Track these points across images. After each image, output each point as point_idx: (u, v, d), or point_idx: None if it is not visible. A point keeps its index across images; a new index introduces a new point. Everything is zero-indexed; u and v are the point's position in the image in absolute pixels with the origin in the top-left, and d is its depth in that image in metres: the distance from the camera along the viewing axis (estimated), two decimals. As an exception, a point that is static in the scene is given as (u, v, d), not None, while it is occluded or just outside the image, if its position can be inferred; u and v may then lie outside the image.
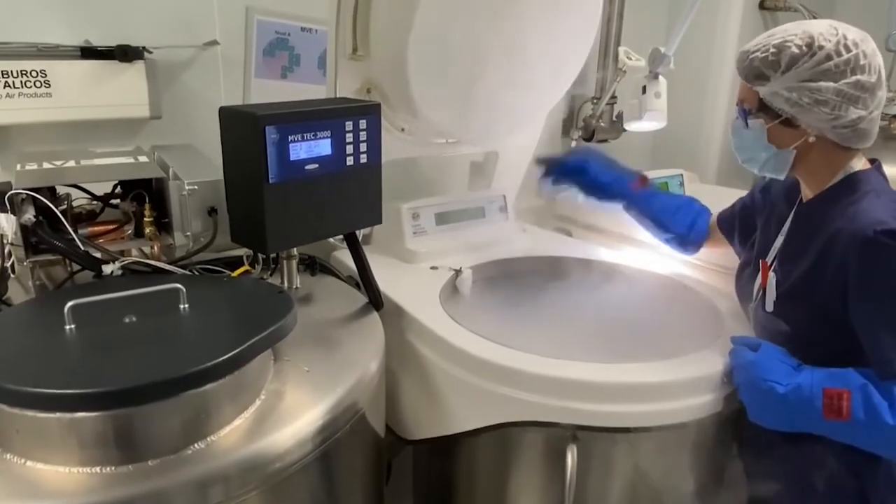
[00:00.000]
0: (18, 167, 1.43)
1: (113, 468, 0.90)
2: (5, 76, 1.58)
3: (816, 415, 1.13)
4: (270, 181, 1.21)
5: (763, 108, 1.22)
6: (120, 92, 1.72)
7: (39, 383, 0.88)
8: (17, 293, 1.32)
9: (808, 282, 1.22)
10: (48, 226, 1.27)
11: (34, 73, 1.61)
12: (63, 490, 0.88)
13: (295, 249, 1.47)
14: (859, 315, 1.14)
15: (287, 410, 1.06)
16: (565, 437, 1.24)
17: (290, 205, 1.26)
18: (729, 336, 1.32)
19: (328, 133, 1.28)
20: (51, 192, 1.38)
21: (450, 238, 1.83)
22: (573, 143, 2.46)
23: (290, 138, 1.22)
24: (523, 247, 1.88)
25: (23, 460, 0.92)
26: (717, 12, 2.62)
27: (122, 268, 1.30)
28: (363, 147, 1.35)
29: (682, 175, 2.34)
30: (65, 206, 1.37)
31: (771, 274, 1.31)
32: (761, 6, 2.78)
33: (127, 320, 1.06)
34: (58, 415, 0.89)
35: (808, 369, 1.18)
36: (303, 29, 1.96)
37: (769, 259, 1.35)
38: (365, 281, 1.46)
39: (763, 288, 1.33)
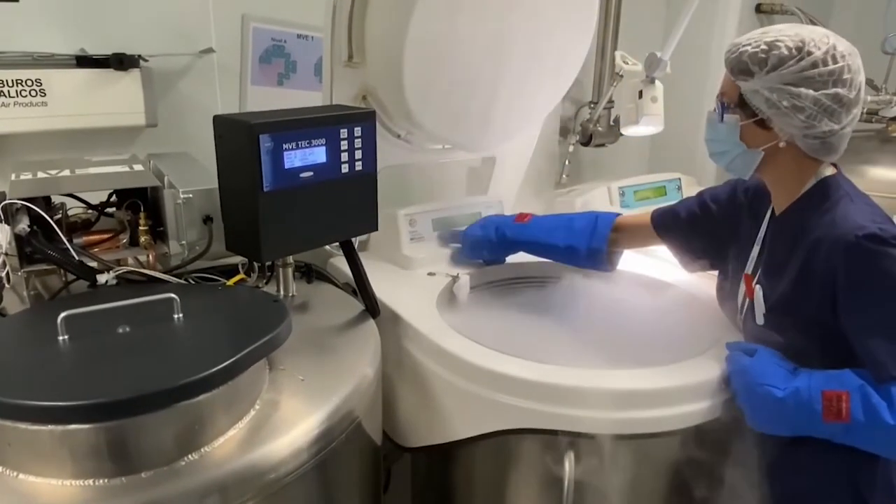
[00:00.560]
0: (13, 177, 1.43)
1: (106, 480, 0.90)
2: (0, 85, 1.57)
3: (816, 418, 1.13)
4: (265, 189, 1.21)
5: (741, 105, 1.22)
6: (115, 100, 1.71)
7: (31, 395, 0.88)
8: (12, 303, 1.32)
9: (796, 293, 1.21)
10: (43, 235, 1.27)
11: (29, 82, 1.61)
12: (56, 503, 0.87)
13: (290, 257, 1.46)
14: (849, 321, 1.15)
15: (282, 420, 1.05)
16: (563, 444, 1.24)
17: (284, 213, 1.26)
18: (726, 342, 1.31)
19: (323, 141, 1.28)
20: (46, 201, 1.37)
21: (447, 244, 1.82)
22: (570, 149, 2.46)
23: (284, 146, 1.22)
24: (521, 253, 1.87)
25: (15, 473, 0.91)
26: (714, 16, 2.62)
27: (117, 277, 1.30)
28: (358, 154, 1.35)
29: (679, 179, 2.34)
30: (60, 216, 1.36)
31: (757, 287, 1.31)
32: (758, 9, 2.78)
33: (121, 330, 1.06)
34: (50, 427, 0.88)
35: (805, 372, 1.17)
36: (299, 36, 1.96)
37: (748, 271, 1.35)
38: (361, 288, 1.46)
39: (750, 300, 1.33)
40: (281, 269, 1.46)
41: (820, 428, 1.14)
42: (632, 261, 1.79)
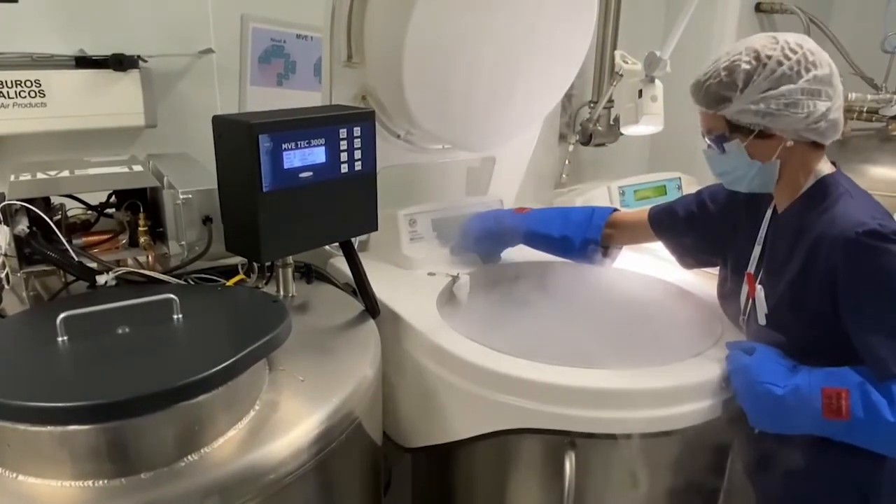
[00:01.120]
0: (12, 178, 1.42)
1: (106, 481, 0.90)
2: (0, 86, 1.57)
3: (816, 415, 1.13)
4: (264, 190, 1.21)
5: (735, 129, 1.23)
6: (115, 101, 1.71)
7: (30, 396, 0.87)
8: (11, 304, 1.32)
9: (798, 291, 1.22)
10: (42, 236, 1.27)
11: (28, 83, 1.61)
12: (55, 504, 0.87)
13: (290, 258, 1.46)
14: (850, 318, 1.15)
15: (282, 420, 1.05)
16: (563, 444, 1.24)
17: (284, 213, 1.26)
18: (727, 341, 1.31)
19: (322, 141, 1.28)
20: (45, 202, 1.37)
21: (447, 244, 1.82)
22: (570, 148, 2.45)
23: (283, 146, 1.21)
24: (521, 252, 1.87)
25: (14, 474, 0.91)
26: (714, 15, 2.62)
27: (117, 278, 1.30)
28: (357, 154, 1.35)
29: (679, 178, 2.34)
30: (59, 217, 1.36)
31: (758, 287, 1.31)
32: (758, 8, 2.78)
33: (120, 331, 1.05)
34: (49, 428, 0.88)
35: (804, 370, 1.17)
36: (298, 36, 1.96)
37: (750, 270, 1.35)
38: (361, 288, 1.45)
39: (752, 299, 1.33)
40: (280, 270, 1.46)
41: (820, 426, 1.14)
42: (631, 259, 1.79)
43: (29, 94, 1.61)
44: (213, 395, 0.96)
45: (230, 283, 1.41)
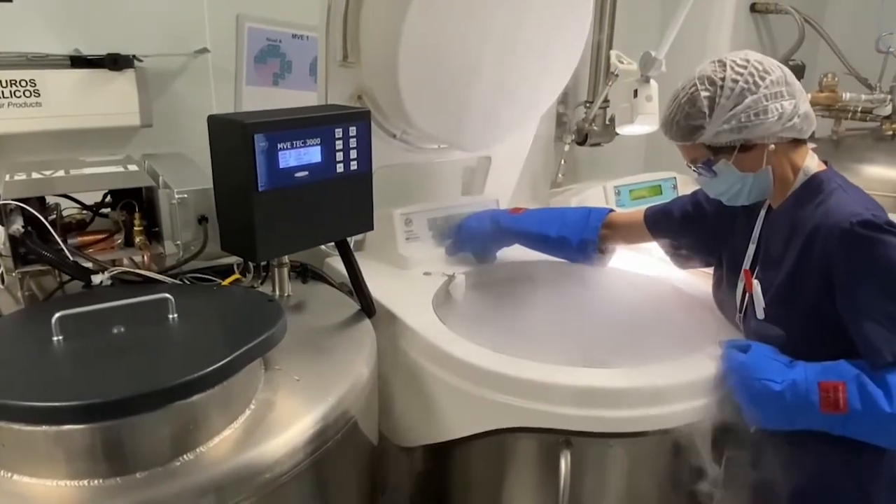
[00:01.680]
0: (7, 177, 1.42)
1: (101, 481, 0.90)
2: (-5, 86, 1.57)
3: (814, 409, 1.13)
4: (260, 189, 1.21)
5: (718, 151, 1.26)
6: (110, 101, 1.71)
7: (25, 396, 0.87)
8: (7, 304, 1.32)
9: (795, 283, 1.23)
10: (37, 236, 1.26)
11: (24, 83, 1.61)
12: (50, 504, 0.87)
13: (286, 257, 1.46)
14: (845, 307, 1.16)
15: (277, 420, 1.05)
16: (559, 442, 1.24)
17: (279, 213, 1.26)
18: (722, 339, 1.32)
19: (318, 140, 1.28)
20: (40, 201, 1.37)
21: (443, 244, 1.82)
22: (566, 148, 2.46)
23: (279, 146, 1.22)
24: (517, 251, 1.87)
25: (10, 474, 0.91)
26: (709, 15, 2.63)
27: (112, 277, 1.30)
28: (353, 154, 1.35)
29: (675, 178, 2.34)
30: (54, 217, 1.36)
31: (755, 282, 1.32)
32: (753, 8, 2.79)
33: (115, 331, 1.05)
34: (44, 428, 0.88)
35: (800, 365, 1.18)
36: (294, 36, 1.96)
37: (747, 266, 1.37)
38: (357, 288, 1.46)
39: (749, 294, 1.34)
40: (276, 269, 1.46)
41: (818, 420, 1.14)
42: (626, 258, 1.80)
43: (24, 93, 1.61)
44: (209, 395, 0.96)
45: (226, 282, 1.41)
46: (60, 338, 1.01)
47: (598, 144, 2.43)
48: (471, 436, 1.33)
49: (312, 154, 1.28)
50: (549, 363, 1.26)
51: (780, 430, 1.21)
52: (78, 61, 1.68)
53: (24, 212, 1.26)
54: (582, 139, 2.41)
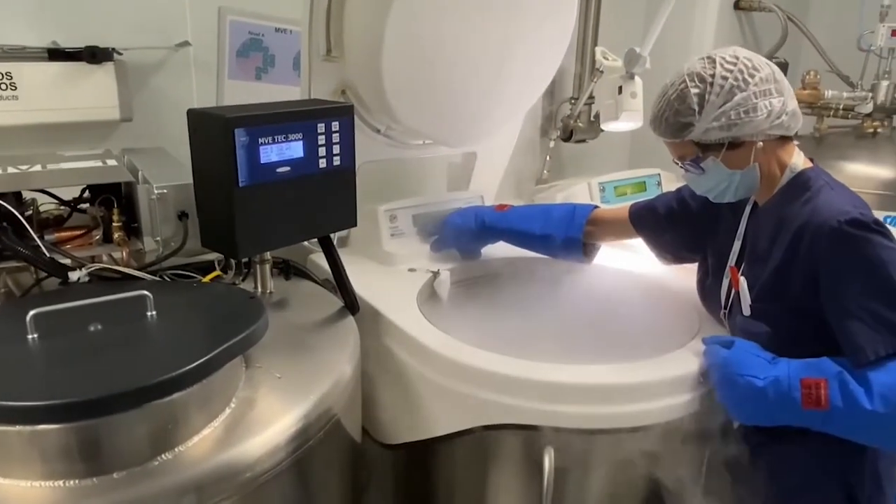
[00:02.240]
0: (-18, 172, 1.39)
1: (77, 481, 0.88)
2: (-30, 79, 1.54)
3: (795, 406, 1.14)
4: (240, 184, 1.19)
5: (706, 148, 1.26)
6: (89, 94, 1.68)
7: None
8: (-18, 301, 1.29)
9: (781, 279, 1.24)
10: (13, 232, 1.24)
11: (0, 76, 1.58)
12: (25, 505, 0.85)
13: (268, 253, 1.44)
14: (830, 305, 1.17)
15: (258, 418, 1.04)
16: (542, 439, 1.24)
17: (261, 208, 1.24)
18: (705, 336, 1.32)
19: (300, 135, 1.27)
20: (16, 197, 1.34)
21: (428, 240, 1.82)
22: (551, 144, 2.46)
23: (260, 141, 1.20)
24: (501, 248, 1.87)
25: (-17, 474, 0.89)
26: (694, 12, 2.64)
27: (90, 274, 1.27)
28: (336, 149, 1.34)
29: (659, 174, 2.35)
30: (31, 212, 1.34)
31: (742, 279, 1.32)
32: (736, 6, 2.80)
33: (92, 328, 1.04)
34: (18, 428, 0.86)
35: (783, 361, 1.18)
36: (277, 29, 1.94)
37: (733, 263, 1.37)
38: (340, 284, 1.44)
39: (736, 291, 1.34)
40: (258, 266, 1.45)
41: (800, 416, 1.15)
42: (610, 255, 1.80)
43: (0, 86, 1.58)
44: (188, 393, 0.95)
45: (206, 279, 1.39)
46: (36, 336, 0.99)
47: (583, 141, 2.43)
48: (455, 433, 1.33)
49: (294, 149, 1.26)
50: (533, 360, 1.26)
51: (762, 426, 1.21)
52: (56, 54, 1.65)
53: (-1, 207, 1.24)
54: (567, 135, 2.41)
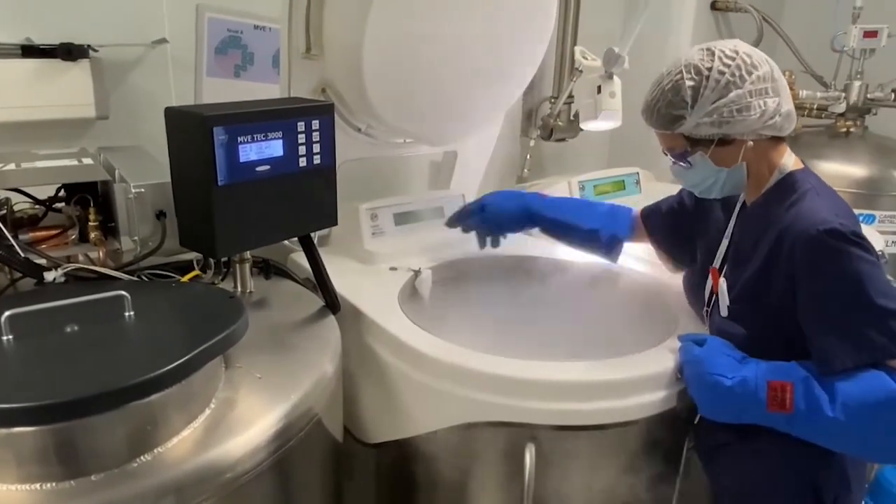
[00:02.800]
0: (-46, 171, 1.37)
1: (54, 484, 0.87)
2: (-59, 75, 1.51)
3: (761, 407, 1.15)
4: (219, 183, 1.18)
5: (696, 143, 1.25)
6: (64, 92, 1.66)
7: (-28, 398, 0.84)
8: (-46, 302, 1.27)
9: (759, 283, 1.23)
10: (-14, 232, 1.22)
11: (-28, 72, 1.55)
12: (0, 509, 0.84)
13: (248, 253, 1.43)
14: (803, 312, 1.17)
15: (238, 419, 1.03)
16: (524, 436, 1.24)
17: (240, 207, 1.23)
18: (682, 333, 1.34)
19: (279, 134, 1.26)
20: (-11, 196, 1.32)
21: (409, 238, 1.82)
22: (531, 143, 2.47)
23: (239, 139, 1.19)
24: (482, 246, 1.87)
25: (-44, 479, 0.88)
26: (671, 13, 2.67)
27: (66, 274, 1.26)
28: (316, 148, 1.33)
29: (637, 173, 2.37)
30: (4, 211, 1.32)
31: (722, 279, 1.33)
32: (713, 7, 2.84)
33: (69, 329, 1.02)
34: (-7, 430, 0.85)
35: (753, 362, 1.19)
36: (256, 27, 1.92)
37: (716, 265, 1.38)
38: (321, 283, 1.44)
39: (715, 293, 1.35)
40: (238, 265, 1.43)
41: (764, 417, 1.16)
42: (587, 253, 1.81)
43: (-28, 83, 1.55)
44: (167, 394, 0.94)
45: (185, 279, 1.38)
46: (10, 337, 0.97)
47: (563, 140, 2.45)
48: (436, 431, 1.33)
49: (274, 147, 1.26)
50: (513, 357, 1.26)
51: (730, 423, 1.22)
52: (30, 51, 1.62)
53: (-29, 206, 1.22)
54: (547, 134, 2.42)
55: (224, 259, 1.43)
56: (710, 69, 1.18)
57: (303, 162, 1.32)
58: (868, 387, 1.09)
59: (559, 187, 2.22)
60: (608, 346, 1.35)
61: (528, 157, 2.49)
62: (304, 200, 1.35)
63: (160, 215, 1.35)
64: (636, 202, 2.31)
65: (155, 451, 0.94)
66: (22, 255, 1.23)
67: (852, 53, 2.52)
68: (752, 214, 1.31)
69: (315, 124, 1.32)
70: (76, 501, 0.86)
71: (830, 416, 1.09)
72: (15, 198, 1.40)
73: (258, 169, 1.24)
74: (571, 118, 2.39)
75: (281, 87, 1.62)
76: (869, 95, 2.52)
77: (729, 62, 1.18)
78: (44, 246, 1.32)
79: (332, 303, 1.44)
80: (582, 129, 2.15)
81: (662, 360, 1.29)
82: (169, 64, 1.84)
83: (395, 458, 1.53)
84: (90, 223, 1.35)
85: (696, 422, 1.30)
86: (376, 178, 2.13)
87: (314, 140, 1.32)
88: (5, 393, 0.86)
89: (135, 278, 1.32)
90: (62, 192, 1.44)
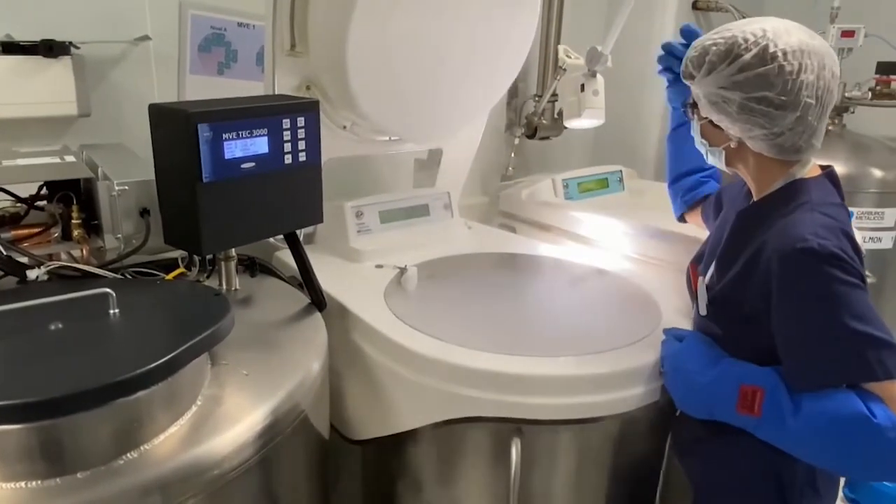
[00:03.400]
0: (-67, 169, 1.35)
1: (39, 482, 0.86)
2: (-81, 72, 1.49)
3: (731, 407, 1.15)
4: (204, 181, 1.18)
5: (694, 105, 1.24)
6: (45, 89, 1.64)
7: (-44, 396, 0.83)
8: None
9: (736, 289, 1.21)
10: (-34, 230, 1.21)
11: (-49, 70, 1.53)
12: (-16, 507, 0.84)
13: (233, 250, 1.43)
14: (776, 327, 1.14)
15: (225, 415, 1.03)
16: (509, 431, 1.25)
17: (225, 205, 1.23)
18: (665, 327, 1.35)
19: (265, 131, 1.26)
20: (-30, 194, 1.31)
21: (394, 236, 1.82)
22: (516, 141, 2.48)
23: (224, 136, 1.19)
24: (468, 244, 1.88)
25: (-61, 478, 0.87)
26: (653, 12, 2.69)
27: (49, 273, 1.25)
28: (301, 145, 1.33)
29: (621, 171, 2.39)
30: (-15, 209, 1.31)
31: (700, 279, 1.32)
32: (694, 6, 2.87)
33: (53, 327, 1.01)
34: (-23, 429, 0.84)
35: (728, 361, 1.19)
36: (239, 24, 1.91)
37: (694, 262, 1.37)
38: (307, 281, 1.44)
39: (695, 291, 1.35)
40: (223, 263, 1.43)
41: (734, 417, 1.15)
42: (573, 249, 1.83)
43: (-49, 80, 1.53)
44: (153, 391, 0.93)
45: (170, 277, 1.37)
46: (-7, 335, 0.97)
47: (547, 138, 2.47)
48: (423, 427, 1.34)
49: (259, 145, 1.26)
50: (498, 353, 1.27)
51: (703, 419, 1.22)
52: (10, 47, 1.60)
53: (-49, 204, 1.21)
54: (531, 132, 2.44)
55: (209, 257, 1.42)
56: (739, 56, 1.11)
57: (288, 159, 1.32)
58: (833, 405, 1.07)
59: (543, 185, 2.24)
60: (593, 341, 1.36)
61: (513, 154, 2.50)
62: (290, 198, 1.35)
63: (144, 213, 1.35)
64: (619, 200, 2.34)
65: (141, 448, 0.93)
66: (4, 253, 1.22)
67: (830, 53, 2.56)
68: (749, 216, 1.26)
69: (300, 121, 1.32)
70: (62, 499, 0.85)
71: (793, 427, 1.09)
72: (-4, 196, 1.39)
73: (243, 166, 1.24)
74: (555, 116, 2.41)
75: (265, 85, 1.62)
76: (847, 94, 2.55)
77: (757, 64, 1.10)
78: (26, 244, 1.31)
79: (318, 300, 1.44)
80: (566, 128, 2.17)
81: (646, 353, 1.31)
82: (152, 61, 1.83)
83: (381, 454, 1.54)
84: (73, 221, 1.34)
85: (676, 415, 1.32)
86: (362, 175, 2.13)
87: (300, 137, 1.32)
88: (-11, 391, 0.86)
89: (119, 276, 1.32)
90: (44, 190, 1.43)
